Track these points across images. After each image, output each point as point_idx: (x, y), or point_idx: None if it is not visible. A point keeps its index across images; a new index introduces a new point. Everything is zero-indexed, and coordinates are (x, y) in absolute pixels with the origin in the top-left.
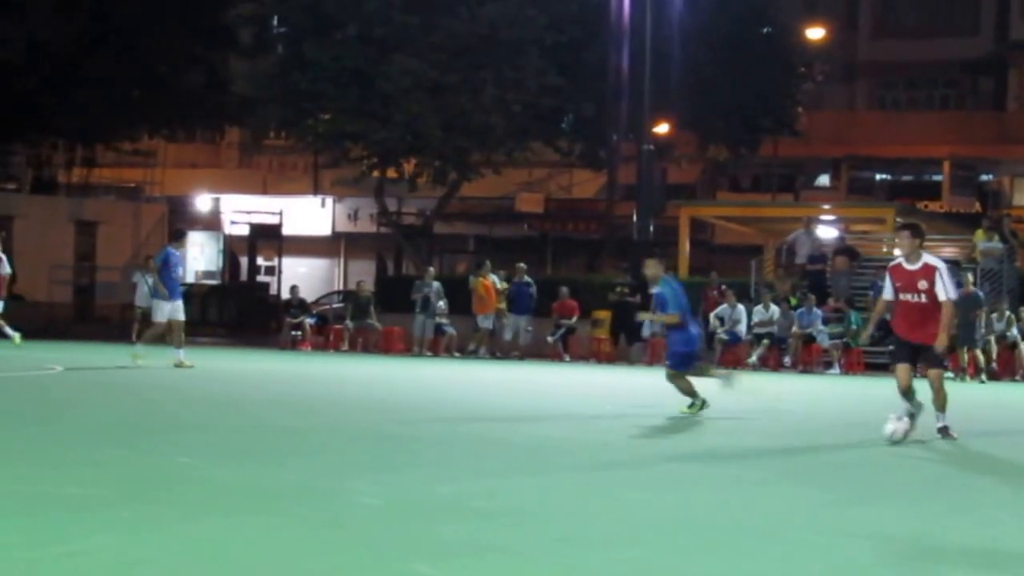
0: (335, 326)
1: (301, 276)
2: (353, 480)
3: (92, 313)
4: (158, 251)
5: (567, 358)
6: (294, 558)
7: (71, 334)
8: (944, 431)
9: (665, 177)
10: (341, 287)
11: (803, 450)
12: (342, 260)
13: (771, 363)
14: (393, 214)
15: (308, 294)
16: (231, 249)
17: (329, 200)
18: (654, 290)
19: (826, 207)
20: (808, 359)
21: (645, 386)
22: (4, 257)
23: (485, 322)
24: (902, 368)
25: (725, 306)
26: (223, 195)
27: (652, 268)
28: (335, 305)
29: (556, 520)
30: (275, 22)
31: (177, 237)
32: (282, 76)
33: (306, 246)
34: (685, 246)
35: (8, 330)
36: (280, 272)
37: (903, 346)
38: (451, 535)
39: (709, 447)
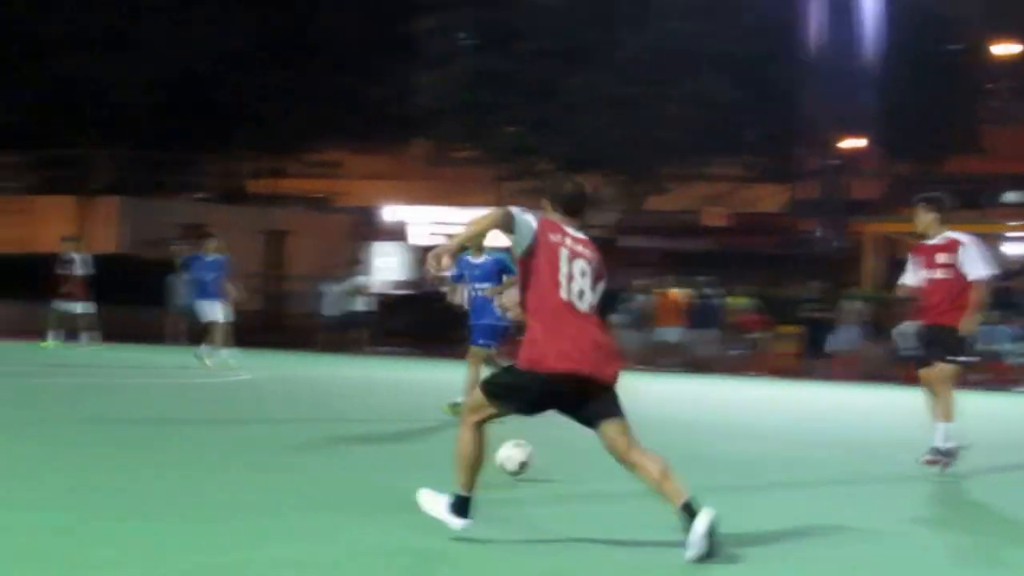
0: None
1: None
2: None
3: (281, 322)
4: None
5: (751, 373)
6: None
7: (261, 342)
8: (946, 456)
9: (849, 192)
10: None
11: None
12: None
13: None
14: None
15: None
16: (420, 259)
17: None
18: None
19: (1012, 224)
20: (996, 377)
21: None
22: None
23: (669, 335)
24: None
25: (908, 323)
26: (408, 206)
27: None
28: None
29: None
30: (460, 35)
31: (198, 240)
32: (466, 88)
33: None
34: (870, 261)
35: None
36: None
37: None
38: None
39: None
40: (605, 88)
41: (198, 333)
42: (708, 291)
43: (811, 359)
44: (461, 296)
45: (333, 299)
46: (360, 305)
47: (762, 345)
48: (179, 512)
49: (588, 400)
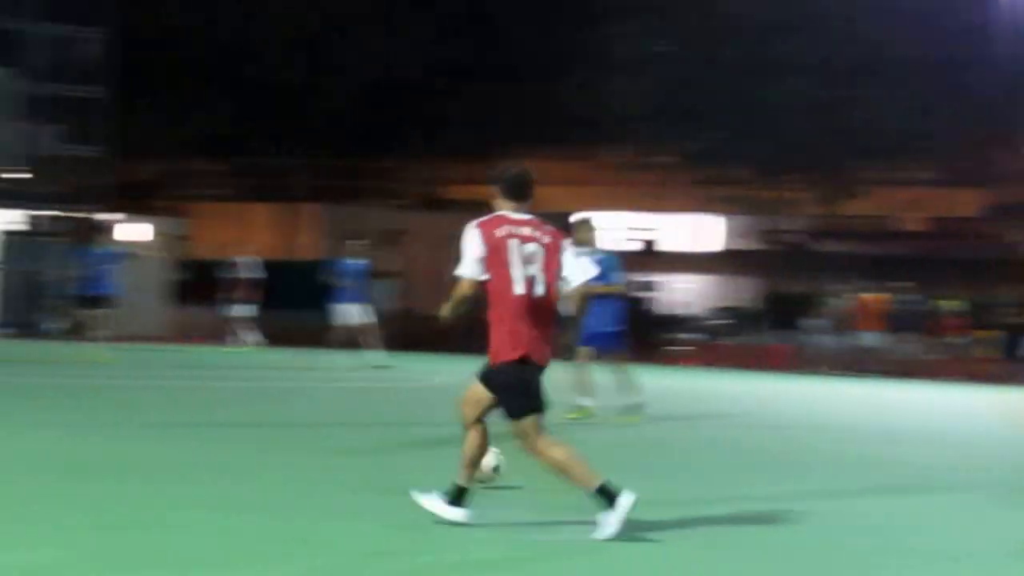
0: (719, 342)
1: (684, 292)
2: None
3: (480, 327)
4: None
5: (950, 377)
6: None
7: (461, 347)
8: None
9: None
10: (725, 304)
11: None
12: (725, 277)
13: None
14: (776, 231)
15: (694, 310)
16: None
17: (712, 217)
18: None
19: None
20: None
21: None
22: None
23: (869, 339)
24: None
25: None
26: (605, 212)
27: None
28: (719, 321)
29: None
30: (656, 40)
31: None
32: (662, 94)
33: (688, 262)
34: None
35: (254, 337)
36: (660, 288)
37: None
38: None
39: None
40: (804, 93)
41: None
42: (908, 296)
43: (1009, 364)
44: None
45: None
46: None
47: (963, 350)
48: (382, 513)
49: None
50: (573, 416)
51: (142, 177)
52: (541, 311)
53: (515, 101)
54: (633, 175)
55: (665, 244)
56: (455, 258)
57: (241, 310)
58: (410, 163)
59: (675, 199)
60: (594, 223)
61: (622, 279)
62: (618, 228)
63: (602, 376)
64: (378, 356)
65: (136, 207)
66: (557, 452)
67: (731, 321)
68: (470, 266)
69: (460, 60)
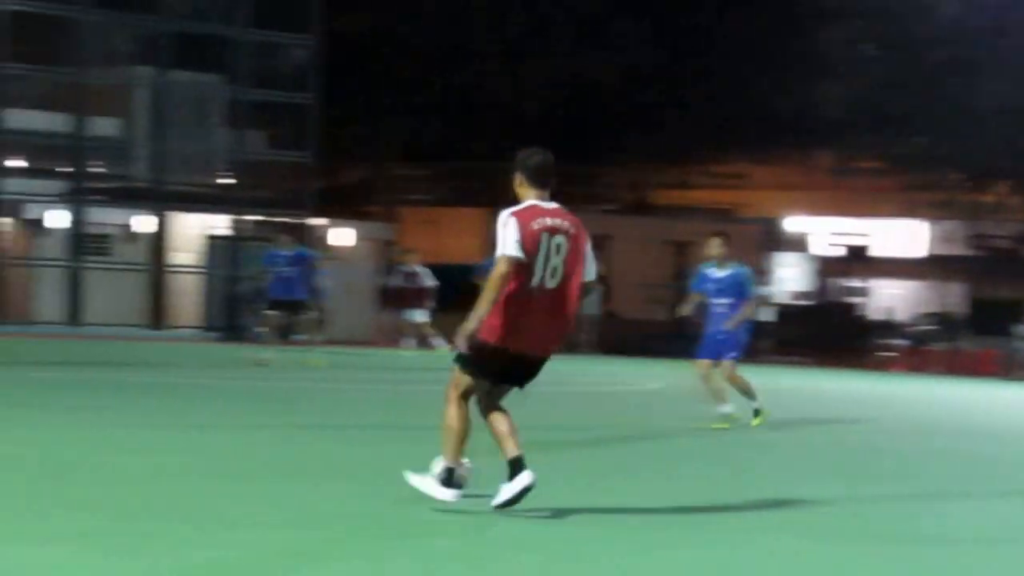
0: (927, 348)
1: (893, 298)
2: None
3: (688, 331)
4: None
5: None
6: None
7: (668, 352)
8: None
9: None
10: (930, 310)
11: None
12: (931, 282)
13: None
14: (983, 236)
15: (900, 316)
16: (820, 270)
17: (921, 222)
18: None
19: None
20: None
21: None
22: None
23: None
24: None
25: None
26: (813, 217)
27: None
28: (925, 327)
29: None
30: (866, 45)
31: None
32: (870, 97)
33: (898, 268)
34: None
35: (436, 340)
36: (869, 294)
37: None
38: None
39: None
40: (1009, 95)
41: None
42: None
43: None
44: (691, 307)
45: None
46: (763, 315)
47: None
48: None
49: (529, 372)
50: (720, 426)
51: (347, 182)
52: (551, 302)
53: (723, 105)
54: (841, 179)
55: (878, 250)
56: (660, 263)
57: (418, 315)
58: (617, 167)
59: (881, 204)
60: (725, 240)
61: (755, 294)
62: (824, 234)
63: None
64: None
65: (342, 212)
66: (457, 414)
67: (937, 327)
68: (513, 245)
69: (668, 65)
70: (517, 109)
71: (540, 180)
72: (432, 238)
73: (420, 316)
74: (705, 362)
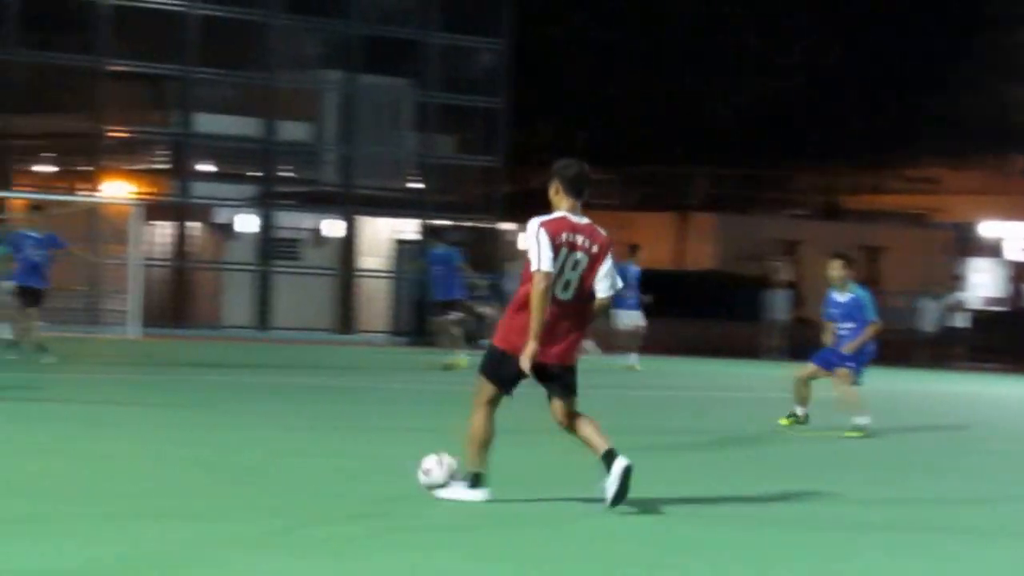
0: None
1: None
2: None
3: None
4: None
5: None
6: None
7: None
8: None
9: None
10: None
11: None
12: None
13: None
14: None
15: None
16: (1014, 276)
17: None
18: None
19: None
20: None
21: None
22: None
23: None
24: None
25: None
26: (1007, 222)
27: None
28: None
29: None
30: None
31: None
32: None
33: None
34: None
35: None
36: None
37: None
38: None
39: None
40: None
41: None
42: None
43: None
44: (832, 336)
45: (931, 315)
46: (958, 321)
47: None
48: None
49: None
50: (786, 423)
51: (535, 186)
52: (561, 313)
53: (916, 109)
54: None
55: None
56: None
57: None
58: (807, 172)
59: None
60: (846, 263)
61: (874, 319)
62: (1020, 238)
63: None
64: (631, 359)
65: (529, 217)
66: (482, 421)
67: None
68: (547, 259)
69: (859, 67)
70: (706, 113)
71: (576, 190)
72: (620, 243)
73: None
74: (813, 367)
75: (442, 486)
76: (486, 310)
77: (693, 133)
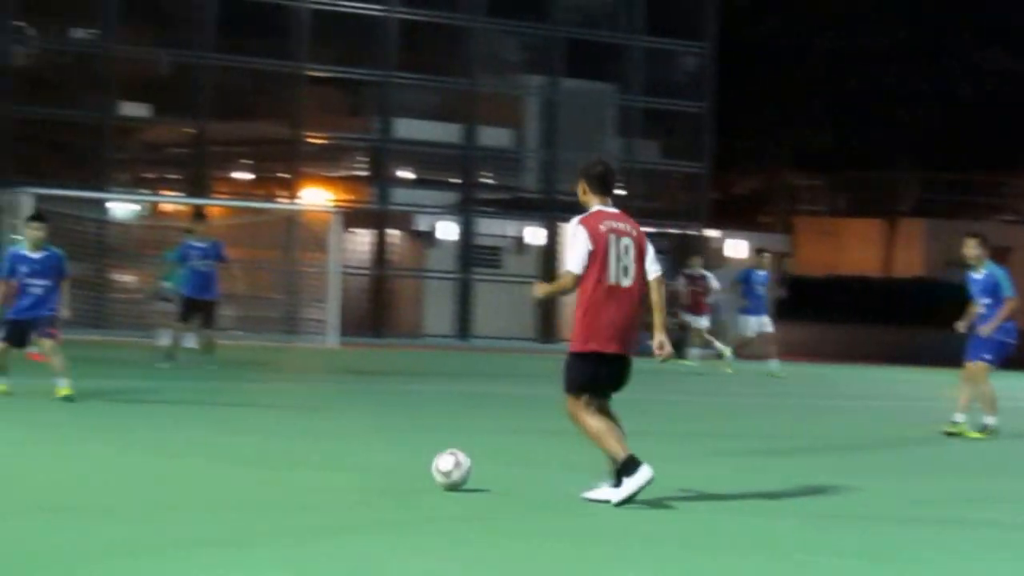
0: None
1: None
2: None
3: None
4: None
5: None
6: None
7: None
8: None
9: None
10: None
11: None
12: None
13: None
14: None
15: None
16: None
17: None
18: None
19: None
20: None
21: None
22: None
23: None
24: None
25: None
26: None
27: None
28: None
29: None
30: None
31: None
32: None
33: None
34: None
35: (719, 345)
36: None
37: None
38: None
39: None
40: None
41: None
42: None
43: None
44: (969, 320)
45: None
46: None
47: None
48: None
49: (617, 372)
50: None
51: (740, 192)
52: (627, 300)
53: None
54: None
55: None
56: None
57: (697, 322)
58: (1017, 177)
59: None
60: (981, 241)
61: (1011, 292)
62: None
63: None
64: (772, 366)
65: (734, 223)
66: (593, 422)
67: None
68: (578, 262)
69: None
70: (912, 117)
71: (603, 187)
72: (830, 249)
73: (703, 322)
74: (976, 364)
75: (459, 484)
76: (688, 318)
77: (902, 137)
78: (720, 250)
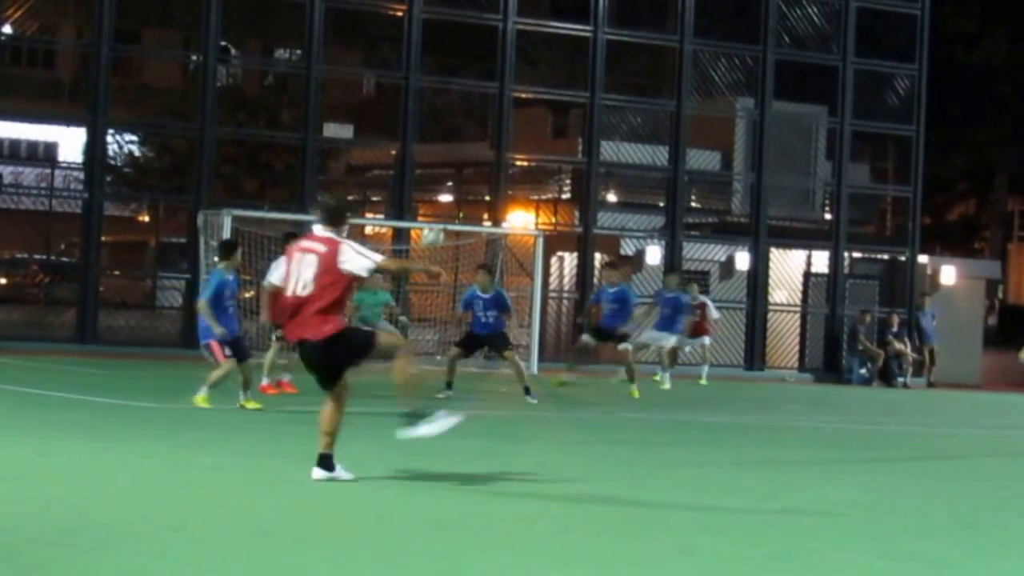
0: None
1: None
2: None
3: None
4: None
5: None
6: None
7: None
8: None
9: None
10: None
11: None
12: None
13: None
14: None
15: None
16: None
17: None
18: None
19: None
20: None
21: None
22: None
23: None
24: None
25: None
26: None
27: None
28: None
29: None
30: None
31: None
32: None
33: None
34: None
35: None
36: None
37: None
38: None
39: None
40: None
41: None
42: None
43: None
44: None
45: None
46: None
47: None
48: None
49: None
50: None
51: (950, 217)
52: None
53: None
54: None
55: None
56: None
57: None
58: None
59: None
60: None
61: None
62: None
63: None
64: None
65: (944, 248)
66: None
67: None
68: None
69: None
70: None
71: (322, 219)
72: None
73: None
74: None
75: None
76: (901, 347)
77: None
78: (935, 276)
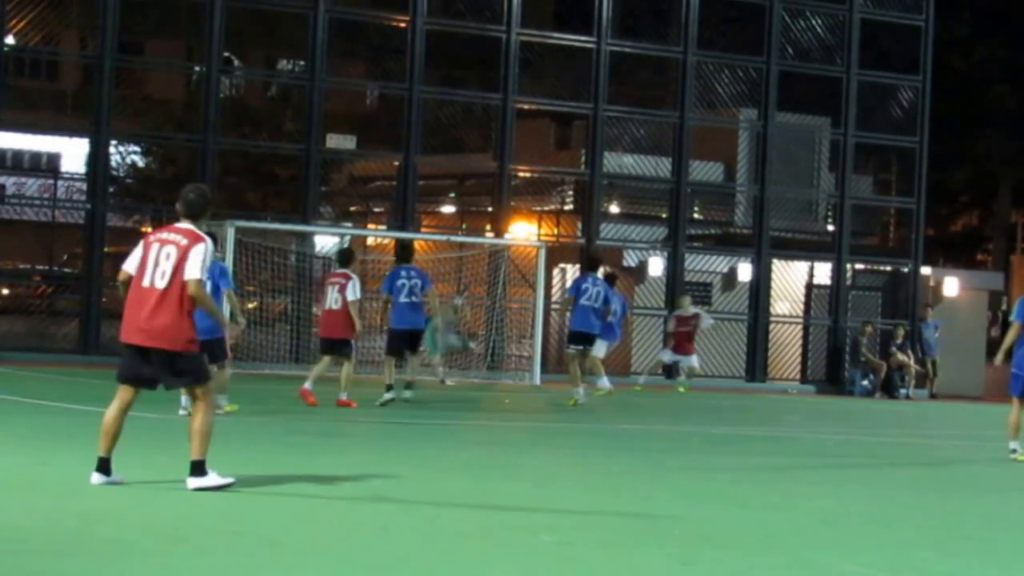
0: None
1: None
2: None
3: None
4: None
5: None
6: None
7: None
8: None
9: None
10: None
11: None
12: None
13: None
14: None
15: None
16: None
17: None
18: None
19: None
20: None
21: None
22: None
23: None
24: None
25: None
26: None
27: None
28: None
29: None
30: None
31: None
32: None
33: None
34: None
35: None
36: None
37: None
38: None
39: None
40: None
41: None
42: None
43: None
44: None
45: None
46: None
47: None
48: None
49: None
50: None
51: (953, 229)
52: (161, 299)
53: None
54: None
55: None
56: None
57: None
58: None
59: None
60: None
61: None
62: None
63: None
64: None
65: (947, 260)
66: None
67: None
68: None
69: None
70: None
71: (181, 211)
72: None
73: (694, 361)
74: None
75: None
76: (904, 358)
77: None
78: (938, 287)
